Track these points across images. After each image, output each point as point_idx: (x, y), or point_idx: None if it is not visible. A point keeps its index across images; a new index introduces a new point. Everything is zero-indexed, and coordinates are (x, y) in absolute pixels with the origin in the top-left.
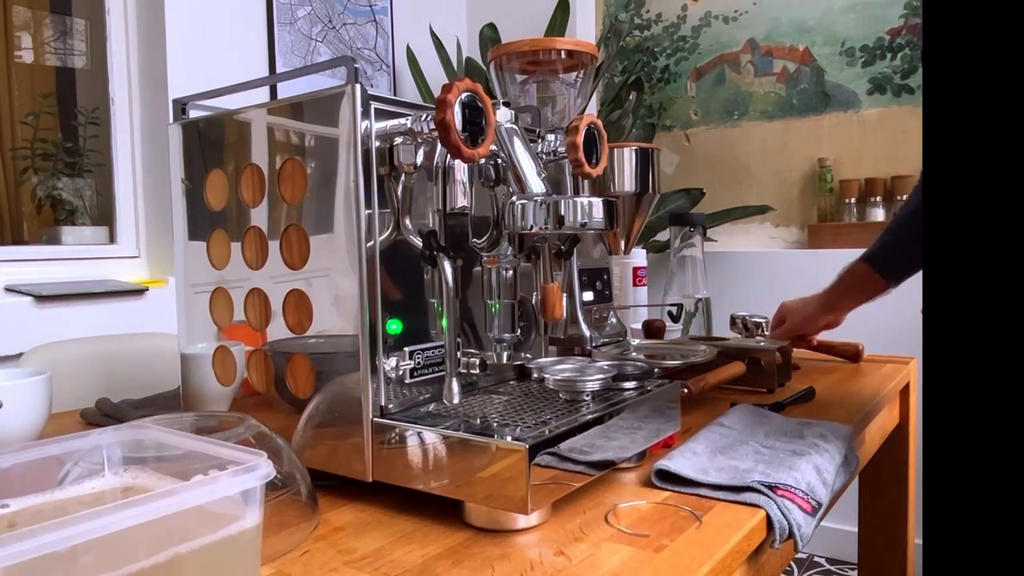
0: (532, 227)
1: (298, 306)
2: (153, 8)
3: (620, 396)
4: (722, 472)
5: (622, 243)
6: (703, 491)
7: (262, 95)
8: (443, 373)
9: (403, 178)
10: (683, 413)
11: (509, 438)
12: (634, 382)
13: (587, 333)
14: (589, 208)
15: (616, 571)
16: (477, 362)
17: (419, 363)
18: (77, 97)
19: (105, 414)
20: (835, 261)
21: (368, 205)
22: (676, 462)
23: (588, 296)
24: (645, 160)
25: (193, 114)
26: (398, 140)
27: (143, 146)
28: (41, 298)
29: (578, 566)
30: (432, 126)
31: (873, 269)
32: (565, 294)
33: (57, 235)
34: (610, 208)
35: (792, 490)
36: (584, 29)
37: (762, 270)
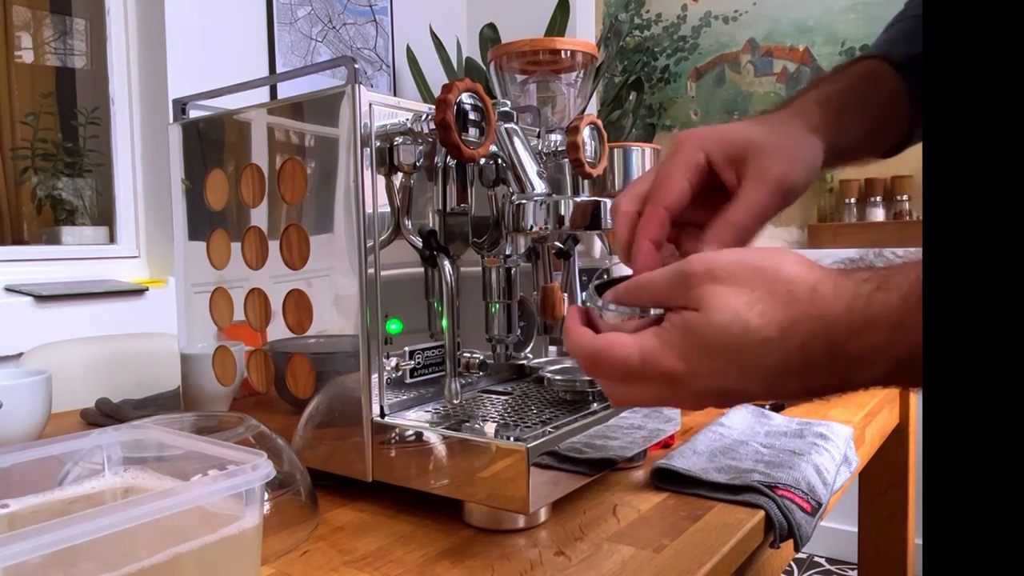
0: (532, 227)
1: (298, 306)
2: (153, 8)
3: None
4: (722, 472)
5: None
6: (703, 491)
7: (262, 95)
8: (443, 373)
9: (403, 178)
10: (683, 413)
11: (509, 438)
12: None
13: None
14: (589, 208)
15: (616, 571)
16: (477, 362)
17: (419, 363)
18: (77, 97)
19: (105, 414)
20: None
21: (368, 205)
22: (676, 462)
23: None
24: (646, 160)
25: (193, 114)
26: (398, 140)
27: (143, 146)
28: (41, 298)
29: (578, 566)
30: (432, 126)
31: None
32: (565, 294)
33: (57, 235)
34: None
35: (792, 490)
36: (584, 29)
37: None
